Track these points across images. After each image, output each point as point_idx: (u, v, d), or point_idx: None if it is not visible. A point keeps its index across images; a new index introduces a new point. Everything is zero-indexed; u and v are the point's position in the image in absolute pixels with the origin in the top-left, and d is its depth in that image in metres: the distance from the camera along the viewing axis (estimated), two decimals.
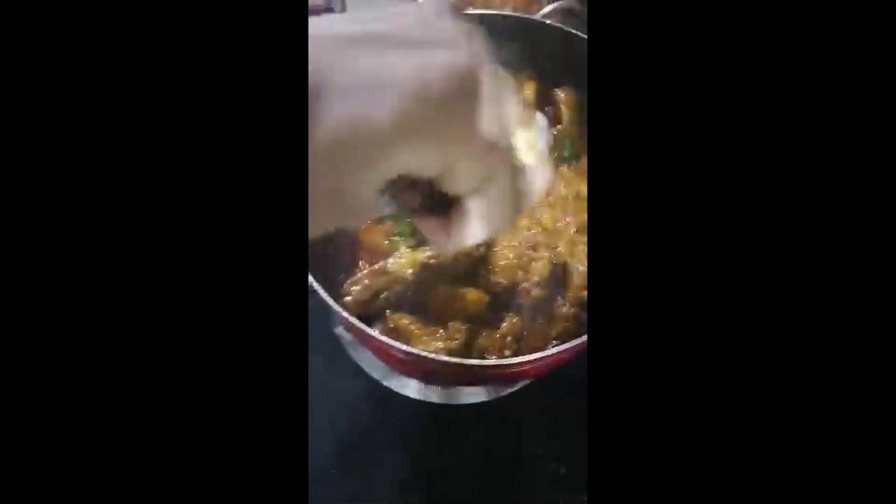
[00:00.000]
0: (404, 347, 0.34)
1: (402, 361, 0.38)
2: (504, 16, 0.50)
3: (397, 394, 0.52)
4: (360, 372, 0.53)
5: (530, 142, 0.21)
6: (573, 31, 0.49)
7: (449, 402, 0.52)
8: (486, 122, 0.19)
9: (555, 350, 0.34)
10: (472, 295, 0.42)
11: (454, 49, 0.18)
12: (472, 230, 0.21)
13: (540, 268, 0.41)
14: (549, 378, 0.53)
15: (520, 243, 0.42)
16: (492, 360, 0.35)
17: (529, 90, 0.50)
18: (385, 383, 0.52)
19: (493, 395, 0.52)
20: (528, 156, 0.21)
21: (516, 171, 0.21)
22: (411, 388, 0.52)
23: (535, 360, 0.34)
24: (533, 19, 0.51)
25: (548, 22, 0.49)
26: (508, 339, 0.40)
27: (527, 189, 0.21)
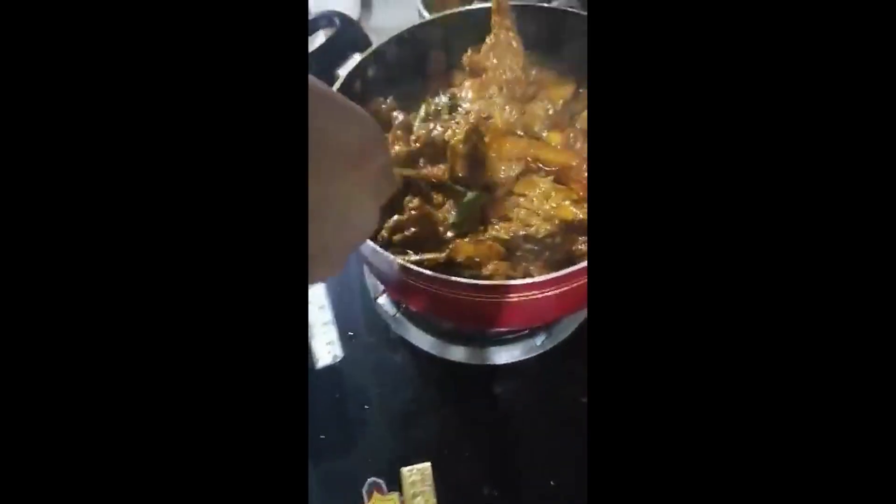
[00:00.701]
0: (449, 277, 0.38)
1: (445, 302, 0.42)
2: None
3: (441, 358, 0.56)
4: (403, 342, 0.57)
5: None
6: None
7: (488, 363, 0.56)
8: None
9: (574, 268, 0.38)
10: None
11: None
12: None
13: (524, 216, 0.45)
14: (580, 336, 0.56)
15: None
16: (529, 280, 0.38)
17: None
18: (426, 349, 0.56)
19: (528, 354, 0.55)
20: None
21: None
22: (452, 353, 0.56)
23: (560, 276, 0.38)
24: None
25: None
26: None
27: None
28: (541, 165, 0.47)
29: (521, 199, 0.44)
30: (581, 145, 0.48)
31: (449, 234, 0.44)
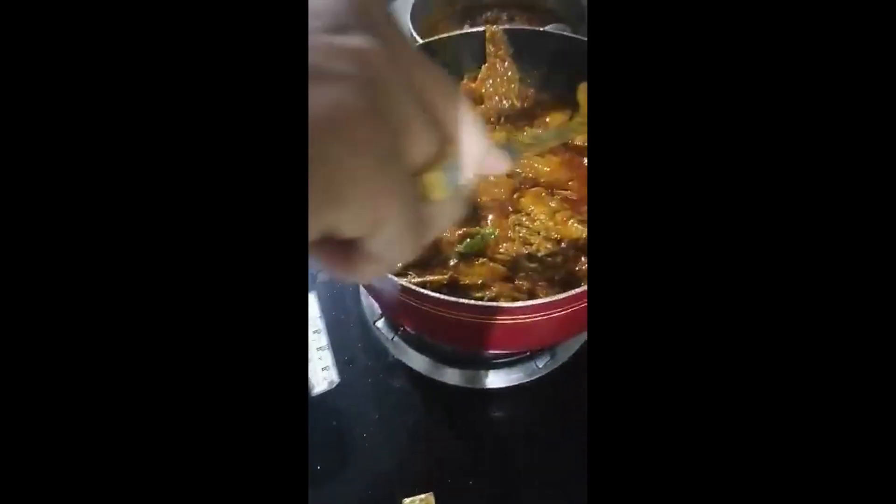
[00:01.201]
0: (451, 298, 0.37)
1: (446, 324, 0.41)
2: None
3: (441, 383, 0.54)
4: (402, 367, 0.56)
5: (439, 181, 0.20)
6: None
7: (490, 387, 0.55)
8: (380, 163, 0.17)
9: (565, 294, 0.37)
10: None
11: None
12: (369, 268, 0.20)
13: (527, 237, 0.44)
14: (581, 359, 0.56)
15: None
16: (530, 302, 0.38)
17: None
18: (426, 373, 0.55)
19: (530, 377, 0.54)
20: (437, 193, 0.20)
21: (417, 207, 0.19)
22: (453, 377, 0.55)
23: (562, 299, 0.37)
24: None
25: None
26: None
27: (432, 223, 0.20)
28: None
29: (524, 218, 0.44)
30: (580, 162, 0.49)
31: (453, 260, 0.43)
